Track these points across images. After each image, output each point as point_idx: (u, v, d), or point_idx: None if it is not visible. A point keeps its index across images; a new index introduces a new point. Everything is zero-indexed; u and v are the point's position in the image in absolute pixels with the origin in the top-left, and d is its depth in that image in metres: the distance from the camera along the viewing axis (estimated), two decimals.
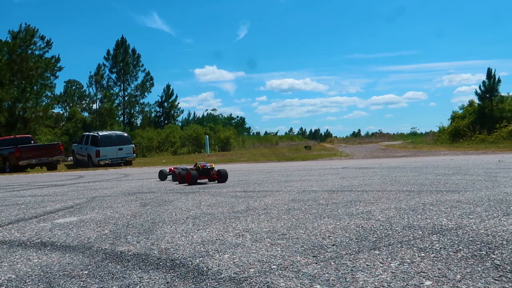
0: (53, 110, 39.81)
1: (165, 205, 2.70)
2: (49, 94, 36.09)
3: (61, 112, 43.30)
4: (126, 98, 40.51)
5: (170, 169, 5.82)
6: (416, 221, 1.72)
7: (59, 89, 49.10)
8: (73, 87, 47.90)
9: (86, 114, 41.14)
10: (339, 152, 22.32)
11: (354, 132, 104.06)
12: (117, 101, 40.46)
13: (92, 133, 20.70)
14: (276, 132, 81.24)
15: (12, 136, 20.67)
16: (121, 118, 40.90)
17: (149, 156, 33.60)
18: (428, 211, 1.94)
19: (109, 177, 7.48)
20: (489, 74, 27.05)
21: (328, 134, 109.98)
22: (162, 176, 5.71)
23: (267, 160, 19.32)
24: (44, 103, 34.06)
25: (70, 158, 23.68)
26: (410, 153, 18.99)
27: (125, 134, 21.77)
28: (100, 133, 20.39)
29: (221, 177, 4.90)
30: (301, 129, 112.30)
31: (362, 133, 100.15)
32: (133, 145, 21.02)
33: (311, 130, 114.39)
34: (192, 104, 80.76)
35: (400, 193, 2.86)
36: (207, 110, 61.64)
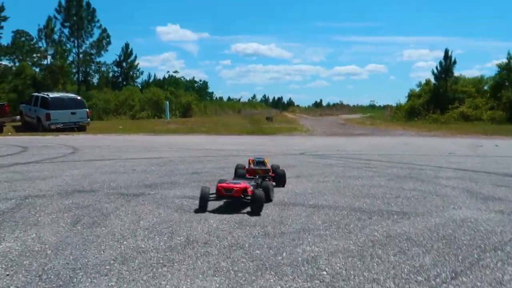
0: (0, 62, 36.97)
1: (98, 226, 2.45)
2: None
3: (9, 64, 40.18)
4: (80, 56, 38.18)
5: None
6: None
7: (6, 39, 45.27)
8: (22, 39, 44.29)
9: (37, 69, 38.48)
10: (299, 126, 22.42)
11: (316, 101, 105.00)
12: (70, 59, 38.08)
13: (42, 94, 19.46)
14: (239, 99, 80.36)
15: None
16: (76, 77, 38.68)
17: (106, 119, 32.32)
18: (376, 262, 1.84)
19: (55, 152, 6.96)
20: (446, 54, 27.79)
21: (290, 103, 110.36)
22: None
23: (227, 132, 19.08)
24: None
25: (19, 117, 22.23)
26: (368, 131, 19.39)
27: (79, 97, 20.66)
28: (51, 95, 19.22)
29: (279, 179, 3.81)
30: (264, 96, 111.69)
31: (324, 103, 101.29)
32: (87, 109, 20.04)
33: (274, 98, 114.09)
34: (153, 64, 77.65)
35: (351, 215, 2.77)
36: (168, 72, 59.48)
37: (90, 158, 6.44)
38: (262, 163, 4.08)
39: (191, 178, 4.36)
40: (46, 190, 3.58)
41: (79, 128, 19.02)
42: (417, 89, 30.54)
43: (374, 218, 2.71)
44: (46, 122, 18.10)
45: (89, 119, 19.56)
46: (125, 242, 2.11)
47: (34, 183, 3.98)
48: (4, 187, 3.74)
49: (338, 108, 66.33)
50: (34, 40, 40.83)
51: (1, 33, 37.70)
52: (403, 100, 31.93)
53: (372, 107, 73.96)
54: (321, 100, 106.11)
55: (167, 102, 29.12)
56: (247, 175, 3.75)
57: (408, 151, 8.74)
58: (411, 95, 30.21)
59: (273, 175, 3.86)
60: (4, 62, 39.10)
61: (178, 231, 2.34)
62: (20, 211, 2.80)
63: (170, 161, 5.99)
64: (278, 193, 3.49)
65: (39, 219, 2.59)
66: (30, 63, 39.48)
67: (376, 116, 35.20)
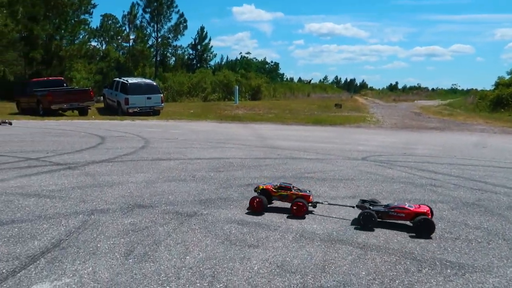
0: (90, 44, 39.89)
1: (148, 260, 2.61)
2: (85, 27, 36.04)
3: (97, 46, 43.42)
4: (159, 40, 40.03)
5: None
6: None
7: (95, 23, 48.75)
8: (109, 22, 47.46)
9: (121, 52, 41.16)
10: (368, 116, 21.58)
11: (391, 84, 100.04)
12: (150, 42, 40.10)
13: (122, 80, 20.86)
14: (310, 81, 79.23)
15: (45, 78, 21.08)
16: (154, 59, 40.76)
17: (179, 101, 33.80)
18: None
19: (127, 146, 7.37)
20: None
21: (363, 85, 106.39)
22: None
23: (294, 120, 18.99)
24: (78, 41, 34.20)
25: (102, 98, 24.11)
26: (443, 124, 18.11)
27: (154, 83, 21.82)
28: (130, 81, 20.50)
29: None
30: (336, 77, 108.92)
31: (400, 86, 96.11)
32: (161, 95, 21.13)
33: (346, 79, 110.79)
34: (227, 43, 79.10)
35: (399, 264, 2.67)
36: (241, 53, 60.23)
37: (157, 157, 6.81)
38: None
39: (244, 192, 4.43)
40: (111, 203, 3.88)
41: (154, 112, 20.17)
42: (507, 77, 27.66)
43: (424, 271, 2.56)
44: (125, 106, 19.45)
45: (163, 104, 20.62)
46: (172, 285, 2.23)
47: (102, 191, 4.32)
48: (76, 196, 4.12)
49: (415, 92, 62.61)
50: (119, 24, 43.59)
51: (91, 18, 40.54)
52: (488, 87, 29.19)
53: (453, 91, 68.63)
54: (396, 83, 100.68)
55: (237, 87, 29.63)
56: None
57: (484, 159, 8.03)
58: (499, 84, 27.43)
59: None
60: (94, 43, 42.27)
61: (219, 274, 2.41)
62: (84, 232, 3.08)
63: (230, 165, 6.14)
64: (327, 221, 3.43)
65: (98, 245, 2.82)
66: (115, 45, 42.36)
67: (457, 104, 32.58)
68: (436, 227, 3.23)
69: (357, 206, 3.62)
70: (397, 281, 2.41)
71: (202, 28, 46.23)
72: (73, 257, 2.60)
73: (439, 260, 2.73)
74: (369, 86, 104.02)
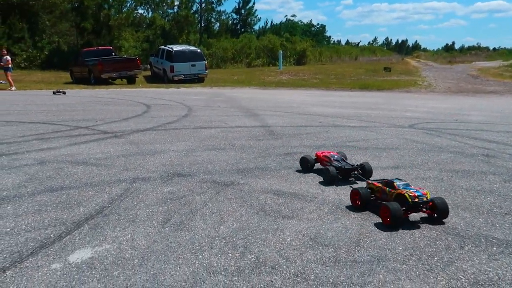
0: (137, 12, 40.52)
1: (183, 228, 2.68)
2: None
3: (144, 14, 43.98)
4: (203, 5, 39.77)
5: (320, 157, 3.98)
6: None
7: None
8: None
9: (166, 19, 41.42)
10: (420, 79, 20.44)
11: (447, 44, 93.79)
12: (193, 8, 39.96)
13: (167, 48, 21.10)
14: (358, 43, 76.04)
15: (95, 48, 21.78)
16: (198, 26, 40.71)
17: (224, 67, 33.81)
18: None
19: (171, 115, 7.48)
20: None
21: (416, 46, 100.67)
22: (304, 166, 4.03)
23: (339, 86, 18.44)
24: (126, 9, 34.78)
25: (149, 66, 24.68)
26: (503, 88, 16.79)
27: (198, 50, 21.87)
28: (175, 48, 20.69)
29: (440, 212, 2.76)
30: (386, 39, 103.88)
31: (457, 46, 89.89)
32: (205, 62, 21.21)
33: (397, 40, 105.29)
34: (272, 6, 77.31)
35: (440, 240, 2.55)
36: (286, 16, 58.58)
37: (199, 125, 6.91)
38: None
39: (282, 162, 4.40)
40: (152, 171, 4.00)
41: (198, 79, 20.37)
42: None
43: (466, 248, 2.42)
44: (170, 74, 19.78)
45: (207, 71, 20.73)
46: (200, 257, 2.28)
47: (144, 160, 4.46)
48: (121, 164, 4.28)
49: (473, 53, 58.37)
50: None
51: None
52: None
53: None
54: (453, 43, 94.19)
55: (281, 52, 29.06)
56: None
57: None
58: None
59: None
60: (140, 11, 42.85)
61: (251, 245, 2.43)
62: (126, 199, 3.21)
63: (270, 133, 6.10)
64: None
65: (138, 213, 2.93)
66: (161, 12, 42.70)
67: None
68: (484, 200, 3.04)
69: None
70: (435, 258, 2.30)
71: None
72: (114, 224, 2.73)
73: (484, 237, 2.57)
74: (422, 47, 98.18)
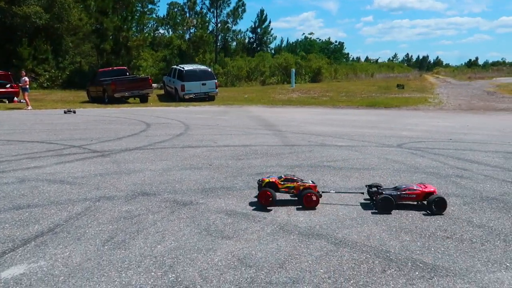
0: (158, 31, 41.72)
1: (122, 247, 2.79)
2: (151, 16, 37.67)
3: (164, 34, 45.38)
4: (219, 25, 40.67)
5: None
6: None
7: (162, 11, 50.83)
8: (175, 9, 49.15)
9: (183, 40, 42.54)
10: (431, 97, 20.21)
11: (470, 60, 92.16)
12: (210, 28, 40.91)
13: (178, 67, 21.64)
14: (377, 60, 75.73)
15: (110, 68, 22.53)
16: (214, 46, 41.56)
17: (238, 85, 34.26)
18: None
19: (166, 134, 7.65)
20: None
21: (437, 62, 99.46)
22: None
23: (347, 103, 18.43)
24: (147, 29, 35.88)
25: (156, 85, 25.33)
26: None
27: (209, 69, 22.33)
28: (186, 68, 21.20)
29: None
30: (407, 55, 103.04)
31: (480, 61, 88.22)
32: (216, 80, 21.59)
33: (418, 56, 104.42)
34: (292, 24, 78.06)
35: (366, 263, 2.57)
36: (303, 34, 59.12)
37: (188, 144, 7.07)
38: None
39: (250, 181, 4.48)
40: (120, 190, 4.16)
41: (209, 98, 20.74)
42: None
43: (388, 272, 2.44)
44: (181, 92, 20.23)
45: (217, 90, 21.09)
46: (123, 275, 2.39)
47: (119, 179, 4.63)
48: (94, 182, 4.46)
49: (495, 69, 57.21)
50: (184, 12, 44.99)
51: (158, 7, 42.29)
52: None
53: None
54: (476, 58, 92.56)
55: (293, 70, 29.30)
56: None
57: None
58: None
59: None
60: (161, 31, 44.20)
61: (177, 264, 2.52)
62: (82, 218, 3.35)
63: (253, 153, 6.20)
64: (316, 214, 3.37)
65: (87, 231, 3.07)
66: (180, 32, 43.93)
67: None
68: (431, 223, 3.05)
69: (368, 191, 3.75)
70: (351, 281, 2.33)
71: (262, 11, 46.33)
72: (59, 242, 2.87)
73: (412, 261, 2.58)
74: (444, 63, 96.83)
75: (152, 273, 2.41)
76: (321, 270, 2.46)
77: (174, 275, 2.39)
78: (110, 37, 31.44)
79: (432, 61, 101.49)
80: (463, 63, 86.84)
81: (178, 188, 4.26)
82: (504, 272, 2.44)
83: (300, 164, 5.40)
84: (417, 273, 2.43)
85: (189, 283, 2.30)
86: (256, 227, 3.15)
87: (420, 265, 2.53)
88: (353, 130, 9.27)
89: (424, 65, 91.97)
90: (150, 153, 6.24)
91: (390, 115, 13.79)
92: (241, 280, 2.33)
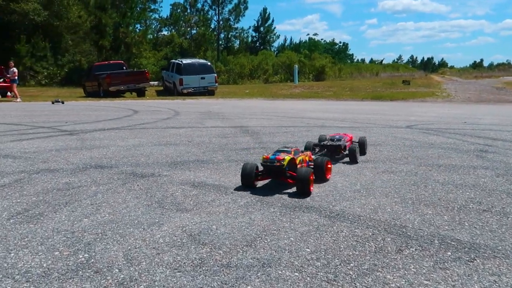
0: (162, 33, 41.23)
1: (34, 221, 2.03)
2: (155, 16, 37.12)
3: (166, 34, 44.81)
4: (220, 22, 40.07)
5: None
6: None
7: (165, 12, 50.48)
8: (178, 10, 48.62)
9: (184, 37, 41.97)
10: (440, 91, 19.36)
11: (475, 62, 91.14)
12: (212, 26, 40.31)
13: (177, 61, 20.97)
14: (382, 61, 74.95)
15: (106, 62, 21.87)
16: (215, 44, 40.95)
17: (241, 83, 33.59)
18: None
19: (153, 118, 6.96)
20: None
21: (442, 64, 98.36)
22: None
23: (351, 97, 17.63)
24: (150, 30, 35.30)
25: (156, 83, 24.71)
26: None
27: (208, 63, 21.60)
28: (184, 61, 20.50)
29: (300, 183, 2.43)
30: (411, 57, 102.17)
31: (485, 63, 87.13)
32: (215, 74, 20.87)
33: (423, 58, 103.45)
34: (296, 27, 77.38)
35: (374, 239, 1.78)
36: (308, 34, 58.52)
37: (172, 125, 6.33)
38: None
39: (232, 155, 3.71)
40: (70, 163, 3.40)
41: (208, 92, 20.00)
42: None
43: (406, 252, 1.65)
44: (180, 86, 19.52)
45: (217, 84, 20.36)
46: (12, 255, 1.62)
47: (76, 154, 3.87)
48: (44, 157, 3.71)
49: (501, 69, 56.15)
50: (187, 12, 44.49)
51: (161, 8, 41.90)
52: None
53: None
54: (481, 60, 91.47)
55: (296, 66, 28.51)
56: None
57: None
58: None
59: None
60: (164, 32, 43.67)
61: (99, 242, 1.75)
62: (4, 189, 2.60)
63: (243, 132, 5.44)
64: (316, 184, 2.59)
65: (2, 202, 2.30)
66: (182, 29, 43.36)
67: None
68: (459, 195, 2.26)
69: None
70: (351, 264, 1.54)
71: (264, 10, 45.52)
72: None
73: (440, 238, 1.79)
74: (449, 65, 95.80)
75: (56, 253, 1.63)
76: (307, 250, 1.67)
77: (87, 255, 1.61)
78: (109, 33, 30.84)
79: (436, 63, 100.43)
80: (468, 65, 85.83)
81: (143, 161, 3.49)
82: None
83: (296, 141, 4.62)
84: (449, 253, 1.64)
85: (102, 265, 1.52)
86: (227, 199, 2.38)
87: (453, 243, 1.74)
88: (356, 116, 8.48)
89: (429, 66, 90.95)
90: (125, 132, 5.49)
91: (395, 106, 12.96)
92: (184, 262, 1.55)
